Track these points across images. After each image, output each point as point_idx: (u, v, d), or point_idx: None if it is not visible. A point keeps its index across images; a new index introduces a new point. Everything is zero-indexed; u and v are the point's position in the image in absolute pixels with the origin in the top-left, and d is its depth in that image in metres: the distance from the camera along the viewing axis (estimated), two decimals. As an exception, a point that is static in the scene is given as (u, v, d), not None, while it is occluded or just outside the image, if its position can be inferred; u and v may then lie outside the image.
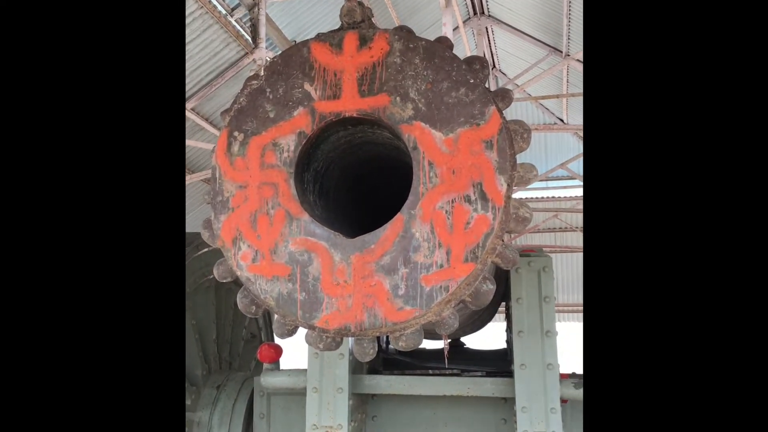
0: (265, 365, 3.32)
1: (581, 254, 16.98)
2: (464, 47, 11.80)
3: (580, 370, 3.16)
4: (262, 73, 1.85)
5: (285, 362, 3.43)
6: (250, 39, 10.36)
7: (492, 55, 14.99)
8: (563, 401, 2.95)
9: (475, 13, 13.61)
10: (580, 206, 16.00)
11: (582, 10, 10.90)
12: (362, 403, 3.28)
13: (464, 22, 12.54)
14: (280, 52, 10.30)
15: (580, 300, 17.79)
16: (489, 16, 13.72)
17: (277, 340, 3.82)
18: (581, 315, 17.81)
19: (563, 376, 2.97)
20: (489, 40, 14.47)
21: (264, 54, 10.05)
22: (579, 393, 2.95)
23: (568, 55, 12.53)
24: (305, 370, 3.07)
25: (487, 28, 13.97)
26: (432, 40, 1.76)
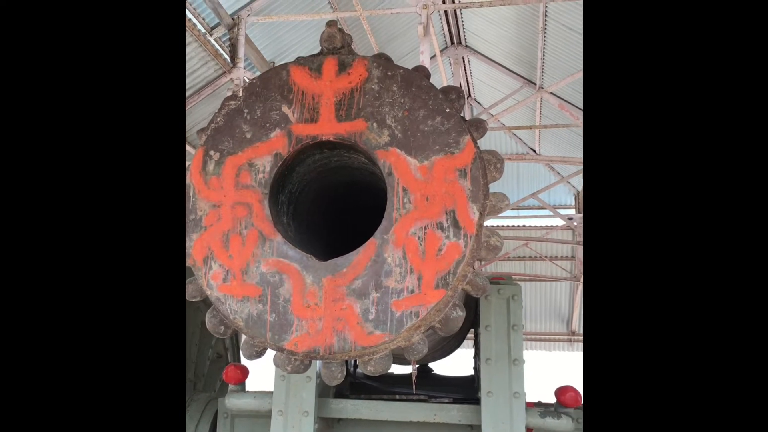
0: (231, 386, 3.27)
1: (550, 283, 17.14)
2: (441, 75, 11.97)
3: (546, 399, 3.18)
4: (240, 93, 1.86)
5: (251, 384, 3.38)
6: (228, 58, 10.36)
7: (468, 84, 15.20)
8: (528, 430, 2.96)
9: (452, 43, 13.83)
10: (551, 236, 16.20)
11: (556, 46, 11.18)
12: (328, 427, 3.24)
13: (441, 51, 12.72)
14: (258, 72, 10.29)
15: (548, 329, 17.89)
16: (466, 46, 13.96)
17: (244, 362, 3.76)
18: (548, 344, 17.92)
19: (529, 405, 2.99)
20: (465, 70, 14.70)
21: (242, 74, 10.05)
22: (544, 422, 2.96)
23: (542, 88, 12.79)
24: (271, 392, 3.04)
25: (463, 58, 14.20)
26: (410, 68, 1.80)
